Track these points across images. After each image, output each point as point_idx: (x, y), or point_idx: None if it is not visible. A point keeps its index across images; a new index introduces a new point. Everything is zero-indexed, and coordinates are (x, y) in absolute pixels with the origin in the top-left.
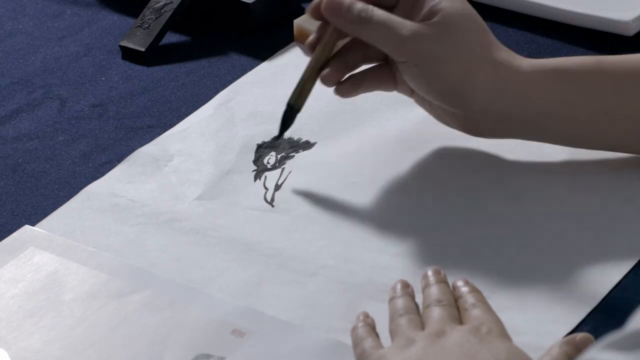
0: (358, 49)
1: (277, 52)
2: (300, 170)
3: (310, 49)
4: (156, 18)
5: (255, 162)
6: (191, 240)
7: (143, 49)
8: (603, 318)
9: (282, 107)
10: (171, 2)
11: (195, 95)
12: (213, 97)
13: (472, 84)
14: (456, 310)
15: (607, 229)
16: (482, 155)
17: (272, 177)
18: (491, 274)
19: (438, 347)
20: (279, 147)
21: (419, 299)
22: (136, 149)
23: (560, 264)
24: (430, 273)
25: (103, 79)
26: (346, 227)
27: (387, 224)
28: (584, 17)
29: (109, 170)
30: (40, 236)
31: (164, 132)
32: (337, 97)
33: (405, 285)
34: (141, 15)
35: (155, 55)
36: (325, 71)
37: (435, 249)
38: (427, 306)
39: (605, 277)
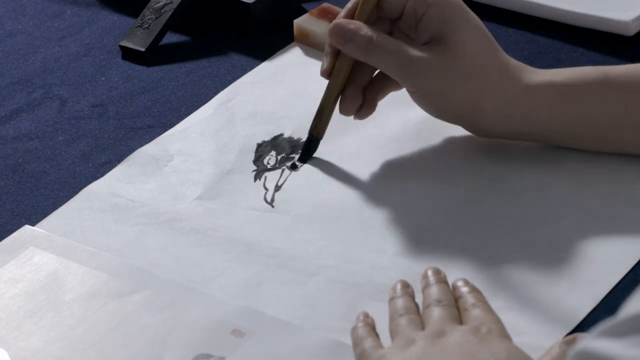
0: (365, 65)
1: (277, 52)
2: (300, 170)
3: (325, 76)
4: (156, 18)
5: (255, 162)
6: (191, 240)
7: (143, 49)
8: (603, 318)
9: (282, 107)
10: (171, 2)
11: (195, 95)
12: (213, 97)
13: (480, 112)
14: (456, 310)
15: (607, 229)
16: (482, 155)
17: (272, 177)
18: (491, 274)
19: (438, 347)
20: (279, 147)
21: (419, 299)
22: (136, 149)
23: (560, 264)
24: (430, 273)
25: (103, 79)
26: (346, 227)
27: (387, 224)
28: (584, 17)
29: (109, 170)
30: (40, 236)
31: (164, 132)
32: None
33: (405, 285)
34: (141, 15)
35: (155, 55)
36: (343, 103)
37: (435, 249)
38: (427, 306)
39: (605, 277)
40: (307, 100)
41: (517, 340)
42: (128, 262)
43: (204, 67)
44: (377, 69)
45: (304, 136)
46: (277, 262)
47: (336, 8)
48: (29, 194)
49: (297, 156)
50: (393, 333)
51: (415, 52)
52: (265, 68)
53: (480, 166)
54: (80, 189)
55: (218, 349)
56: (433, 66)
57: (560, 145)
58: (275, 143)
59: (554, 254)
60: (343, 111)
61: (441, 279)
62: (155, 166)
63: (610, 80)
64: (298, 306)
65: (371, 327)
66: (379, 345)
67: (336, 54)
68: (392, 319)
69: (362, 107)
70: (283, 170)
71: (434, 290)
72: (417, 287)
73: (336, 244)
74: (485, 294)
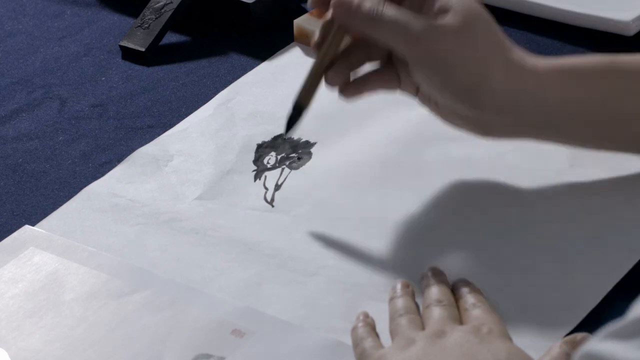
0: (361, 49)
1: (277, 52)
2: (300, 170)
3: (316, 49)
4: (156, 18)
5: (255, 162)
6: (191, 240)
7: (143, 49)
8: (603, 318)
9: (282, 107)
10: (171, 2)
11: (195, 95)
12: (213, 97)
13: (487, 85)
14: (456, 310)
15: (607, 229)
16: (483, 156)
17: (272, 177)
18: (491, 274)
19: (438, 347)
20: (279, 147)
21: (419, 299)
22: (136, 149)
23: (560, 264)
24: (430, 273)
25: (103, 79)
26: (346, 227)
27: (387, 224)
28: (584, 17)
29: (109, 170)
30: (40, 236)
31: (164, 132)
32: (342, 100)
33: (405, 285)
34: (141, 15)
35: (155, 55)
36: (330, 73)
37: (436, 249)
38: (427, 306)
39: (605, 277)
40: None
41: (517, 340)
42: (128, 262)
43: (204, 67)
44: (368, 57)
45: (304, 136)
46: (277, 262)
47: None
48: (29, 194)
49: (297, 156)
50: (393, 333)
51: (422, 19)
52: (265, 68)
53: (480, 166)
54: (80, 189)
55: (218, 349)
56: (440, 32)
57: (567, 142)
58: (275, 143)
59: (554, 254)
60: (328, 80)
61: (441, 279)
62: (155, 166)
63: (618, 67)
64: (298, 306)
65: (371, 327)
66: (379, 345)
67: (329, 29)
68: (392, 319)
69: (349, 86)
70: (283, 169)
71: (434, 290)
72: (417, 287)
73: (336, 244)
74: (485, 294)
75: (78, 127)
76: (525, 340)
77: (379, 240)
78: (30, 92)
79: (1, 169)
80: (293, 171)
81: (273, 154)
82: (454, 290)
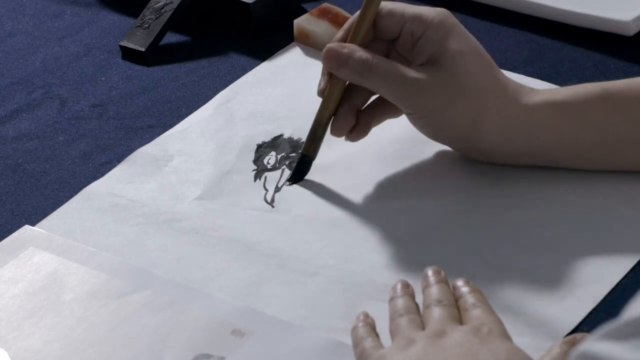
0: (362, 88)
1: (277, 52)
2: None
3: (320, 96)
4: (156, 18)
5: (255, 162)
6: (191, 240)
7: (143, 49)
8: (603, 318)
9: (282, 107)
10: (171, 2)
11: (195, 95)
12: (213, 97)
13: (479, 131)
14: (456, 310)
15: (607, 229)
16: None
17: (272, 177)
18: (491, 274)
19: (438, 347)
20: (279, 147)
21: (419, 299)
22: (136, 149)
23: (560, 264)
24: (430, 273)
25: (103, 79)
26: (346, 227)
27: (387, 224)
28: (584, 17)
29: (109, 170)
30: (40, 236)
31: (164, 132)
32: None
33: (406, 285)
34: (141, 15)
35: (155, 55)
36: (335, 124)
37: (435, 249)
38: (427, 306)
39: (605, 277)
40: (307, 100)
41: (517, 340)
42: (128, 262)
43: (204, 67)
44: (371, 92)
45: (304, 136)
46: (277, 262)
47: (336, 8)
48: (29, 194)
49: (296, 155)
50: (393, 333)
51: (411, 73)
52: (265, 68)
53: (481, 167)
54: (80, 189)
55: (218, 349)
56: (430, 85)
57: (567, 167)
58: (275, 143)
59: (554, 254)
60: (334, 131)
61: (441, 279)
62: (155, 166)
63: (610, 96)
64: (298, 306)
65: (371, 327)
66: (379, 345)
67: (331, 74)
68: (392, 319)
69: (355, 128)
70: (283, 170)
71: (434, 290)
72: (417, 287)
73: (336, 244)
74: (485, 294)
75: (78, 127)
76: (525, 340)
77: (379, 240)
78: (30, 92)
79: (1, 169)
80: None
81: (273, 154)
82: (454, 290)
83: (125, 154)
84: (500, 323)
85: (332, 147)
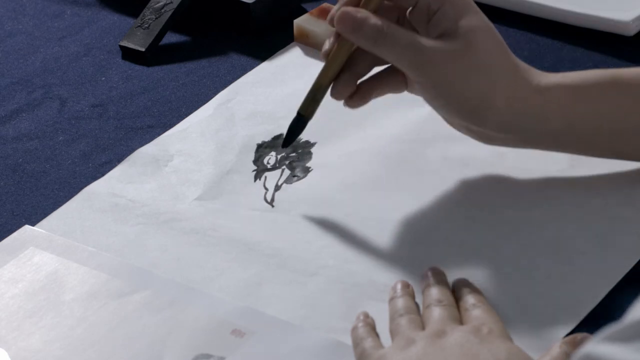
0: (367, 55)
1: (277, 52)
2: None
3: (324, 58)
4: (156, 18)
5: (255, 162)
6: (191, 240)
7: (143, 49)
8: (603, 318)
9: (282, 107)
10: (171, 2)
11: (195, 95)
12: (213, 97)
13: (491, 106)
14: (457, 310)
15: (607, 229)
16: (483, 156)
17: (272, 177)
18: (491, 274)
19: (438, 347)
20: (279, 147)
21: (419, 299)
22: (136, 149)
23: (560, 264)
24: (430, 273)
25: (103, 79)
26: (346, 227)
27: (387, 224)
28: (584, 17)
29: (109, 170)
30: (40, 236)
31: (164, 132)
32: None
33: (406, 285)
34: (141, 15)
35: (155, 55)
36: (336, 87)
37: (435, 249)
38: (427, 306)
39: (605, 277)
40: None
41: (517, 340)
42: (128, 262)
43: (204, 67)
44: (375, 62)
45: (303, 136)
46: (277, 262)
47: None
48: (29, 194)
49: (296, 155)
50: (393, 333)
51: (426, 42)
52: (265, 68)
53: (480, 166)
54: (80, 189)
55: (218, 349)
56: (443, 56)
57: (574, 152)
58: (276, 143)
59: (554, 254)
60: (334, 94)
61: (441, 279)
62: (155, 166)
63: (621, 81)
64: (298, 306)
65: (371, 327)
66: (379, 345)
67: (338, 36)
68: (392, 319)
69: (355, 95)
70: (283, 170)
71: (434, 291)
72: (417, 287)
73: (336, 244)
74: (485, 294)
75: (78, 127)
76: (525, 340)
77: (379, 240)
78: (30, 92)
79: (1, 169)
80: (289, 170)
81: (273, 154)
82: (454, 290)
83: (125, 154)
84: (500, 323)
85: (332, 147)
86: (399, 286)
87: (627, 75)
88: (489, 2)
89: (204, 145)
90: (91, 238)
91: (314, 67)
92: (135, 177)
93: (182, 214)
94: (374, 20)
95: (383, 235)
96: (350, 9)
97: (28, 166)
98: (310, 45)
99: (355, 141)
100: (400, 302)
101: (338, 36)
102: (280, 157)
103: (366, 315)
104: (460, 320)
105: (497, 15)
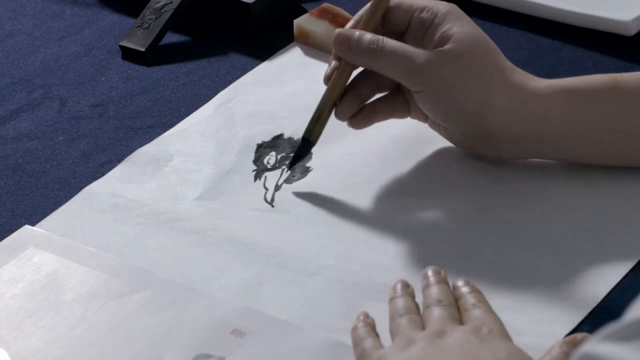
0: (370, 80)
1: (277, 52)
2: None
3: (326, 82)
4: (156, 18)
5: (255, 162)
6: (191, 240)
7: (143, 49)
8: (603, 318)
9: (282, 107)
10: (171, 2)
11: (195, 95)
12: (213, 97)
13: (489, 109)
14: (456, 310)
15: (607, 229)
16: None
17: (272, 177)
18: (491, 274)
19: (438, 347)
20: (279, 147)
21: (419, 299)
22: (136, 149)
23: (560, 264)
24: (430, 273)
25: (103, 79)
26: (346, 227)
27: (387, 224)
28: (584, 17)
29: (109, 170)
30: (40, 236)
31: (164, 132)
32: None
33: (406, 286)
34: (141, 15)
35: (155, 55)
36: (339, 108)
37: (436, 249)
38: (427, 306)
39: (605, 277)
40: (307, 100)
41: (517, 340)
42: (128, 262)
43: (204, 67)
44: (378, 88)
45: None
46: (277, 262)
47: (336, 8)
48: (29, 194)
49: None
50: (393, 333)
51: (422, 52)
52: (265, 68)
53: (480, 167)
54: (80, 189)
55: (218, 349)
56: (440, 62)
57: (574, 160)
58: (275, 143)
59: (554, 254)
60: (337, 114)
61: (441, 279)
62: (155, 166)
63: (620, 86)
64: (298, 306)
65: (371, 327)
66: (379, 345)
67: (339, 63)
68: (392, 319)
69: (358, 115)
70: (283, 170)
71: (434, 290)
72: (417, 287)
73: (336, 244)
74: (485, 294)
75: (78, 127)
76: (525, 340)
77: (379, 240)
78: (30, 92)
79: (1, 169)
80: (290, 174)
81: (273, 154)
82: (454, 290)
83: (125, 154)
84: (500, 323)
85: (332, 147)
86: (399, 286)
87: (626, 80)
88: (489, 2)
89: (204, 145)
90: (91, 238)
91: (314, 67)
92: (135, 177)
93: (182, 214)
94: (369, 35)
95: (383, 235)
96: (345, 29)
97: (28, 166)
98: (310, 45)
99: (355, 141)
100: (400, 302)
101: (338, 60)
102: (280, 157)
103: (366, 315)
104: (460, 320)
105: (497, 15)
